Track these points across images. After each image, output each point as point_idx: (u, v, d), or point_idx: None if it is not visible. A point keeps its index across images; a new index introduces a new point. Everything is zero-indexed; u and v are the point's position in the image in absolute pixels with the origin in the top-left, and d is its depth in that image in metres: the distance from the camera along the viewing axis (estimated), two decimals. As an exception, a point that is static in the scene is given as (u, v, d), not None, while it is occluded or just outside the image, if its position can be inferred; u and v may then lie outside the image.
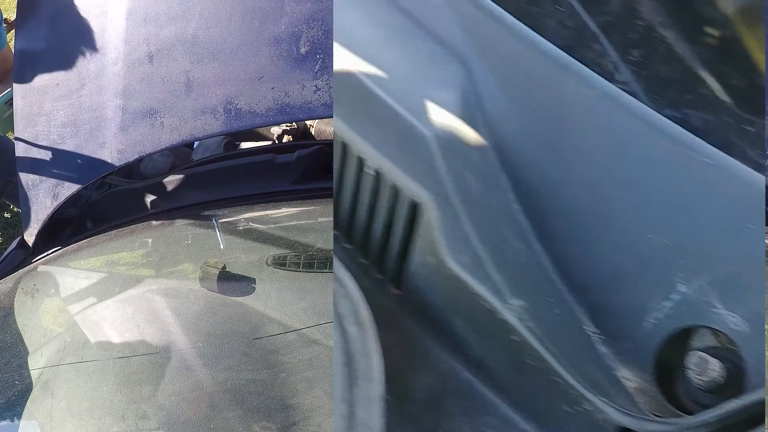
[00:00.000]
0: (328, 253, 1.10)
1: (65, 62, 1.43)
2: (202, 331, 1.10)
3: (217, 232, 1.24)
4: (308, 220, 1.27)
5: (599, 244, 0.83)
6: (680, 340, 0.79)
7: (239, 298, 1.14)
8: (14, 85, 1.48)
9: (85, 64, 1.39)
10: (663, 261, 0.79)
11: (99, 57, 1.37)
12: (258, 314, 1.10)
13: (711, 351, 0.76)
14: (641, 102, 0.82)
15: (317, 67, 1.15)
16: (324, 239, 1.14)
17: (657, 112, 0.81)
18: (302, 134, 1.69)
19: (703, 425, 0.67)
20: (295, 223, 1.28)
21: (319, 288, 1.07)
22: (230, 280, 1.13)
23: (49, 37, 1.46)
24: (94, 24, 1.40)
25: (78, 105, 1.38)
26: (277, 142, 1.69)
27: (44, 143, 1.40)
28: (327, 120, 1.63)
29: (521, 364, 0.78)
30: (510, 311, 0.78)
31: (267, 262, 1.17)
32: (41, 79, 1.45)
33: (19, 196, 1.45)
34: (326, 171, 1.35)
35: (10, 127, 1.59)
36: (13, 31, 2.04)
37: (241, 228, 1.27)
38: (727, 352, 0.75)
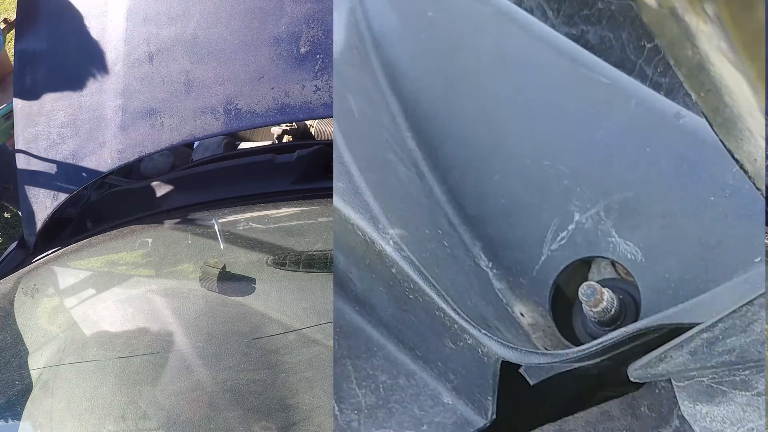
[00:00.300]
0: (328, 253, 1.10)
1: (65, 62, 1.43)
2: (202, 331, 1.10)
3: (217, 232, 1.24)
4: (308, 220, 1.27)
5: (494, 172, 0.78)
6: (578, 273, 0.75)
7: (239, 298, 1.14)
8: (14, 84, 1.48)
9: (85, 64, 1.39)
10: (559, 189, 0.75)
11: (99, 57, 1.37)
12: (258, 314, 1.10)
13: (608, 283, 0.73)
14: (537, 18, 0.77)
15: (317, 67, 1.15)
16: (324, 239, 1.14)
17: (553, 29, 0.77)
18: (302, 134, 1.69)
19: (588, 356, 0.63)
20: (295, 223, 1.28)
21: (319, 288, 1.07)
22: (230, 280, 1.13)
23: (49, 37, 1.46)
24: (94, 24, 1.40)
25: (78, 105, 1.38)
26: (277, 142, 1.69)
27: (44, 143, 1.40)
28: (327, 120, 1.63)
29: (404, 300, 0.73)
30: (387, 241, 0.72)
31: (267, 262, 1.17)
32: (41, 79, 1.45)
33: (19, 197, 1.45)
34: (326, 171, 1.35)
35: (7, 136, 1.59)
36: (12, 32, 2.04)
37: (241, 228, 1.26)
38: (624, 283, 0.73)
